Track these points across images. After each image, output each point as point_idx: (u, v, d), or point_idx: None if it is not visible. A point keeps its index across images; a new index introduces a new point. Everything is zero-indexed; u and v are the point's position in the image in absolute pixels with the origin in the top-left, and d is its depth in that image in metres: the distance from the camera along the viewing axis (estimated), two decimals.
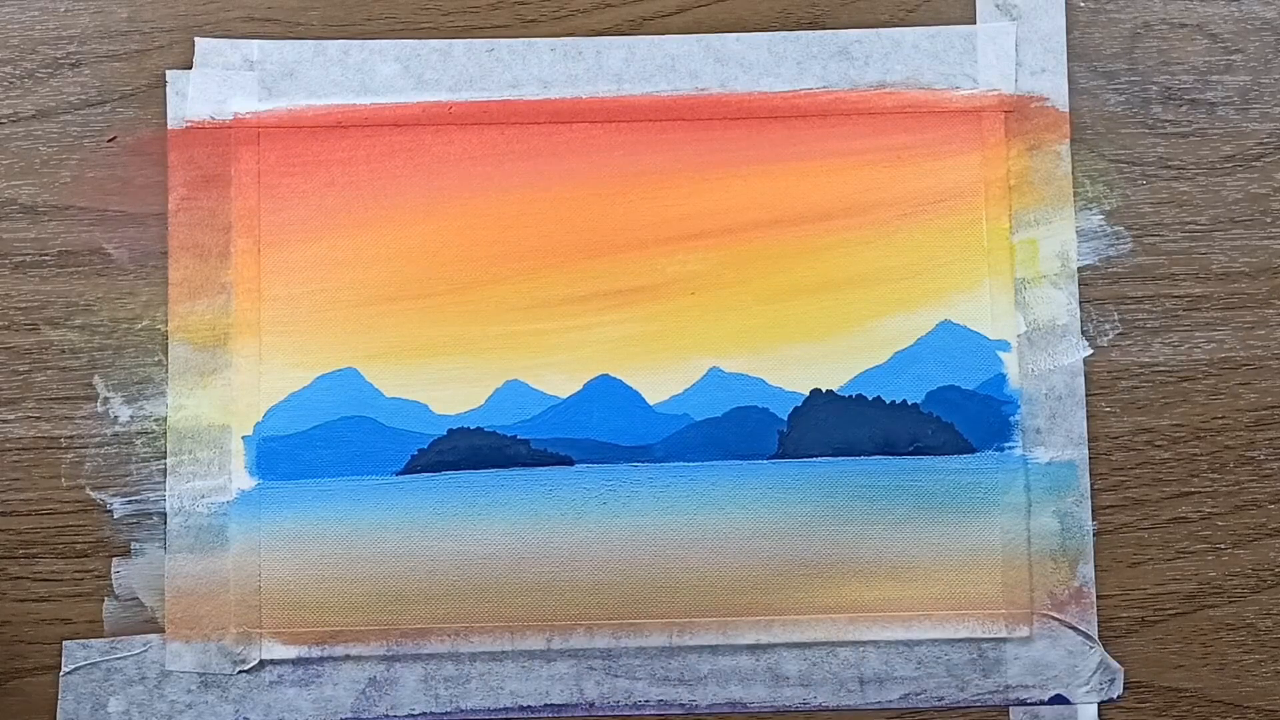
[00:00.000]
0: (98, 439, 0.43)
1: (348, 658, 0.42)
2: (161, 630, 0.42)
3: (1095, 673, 0.43)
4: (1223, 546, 0.44)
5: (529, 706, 0.43)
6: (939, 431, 0.43)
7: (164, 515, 0.43)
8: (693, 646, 0.43)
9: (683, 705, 0.43)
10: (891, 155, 0.44)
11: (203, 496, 0.43)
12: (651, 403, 0.43)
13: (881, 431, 0.43)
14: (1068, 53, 0.45)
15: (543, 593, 0.43)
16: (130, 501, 0.43)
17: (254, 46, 0.44)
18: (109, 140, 0.44)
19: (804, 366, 0.43)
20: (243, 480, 0.43)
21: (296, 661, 0.42)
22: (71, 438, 0.43)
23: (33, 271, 0.44)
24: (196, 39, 0.44)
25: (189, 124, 0.44)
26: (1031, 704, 0.43)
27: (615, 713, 0.43)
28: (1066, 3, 0.45)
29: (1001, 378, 0.43)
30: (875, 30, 0.44)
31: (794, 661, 0.43)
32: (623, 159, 0.44)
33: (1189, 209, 0.44)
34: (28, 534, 0.43)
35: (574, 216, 0.44)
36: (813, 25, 0.45)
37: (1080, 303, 0.44)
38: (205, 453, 0.43)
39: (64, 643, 0.42)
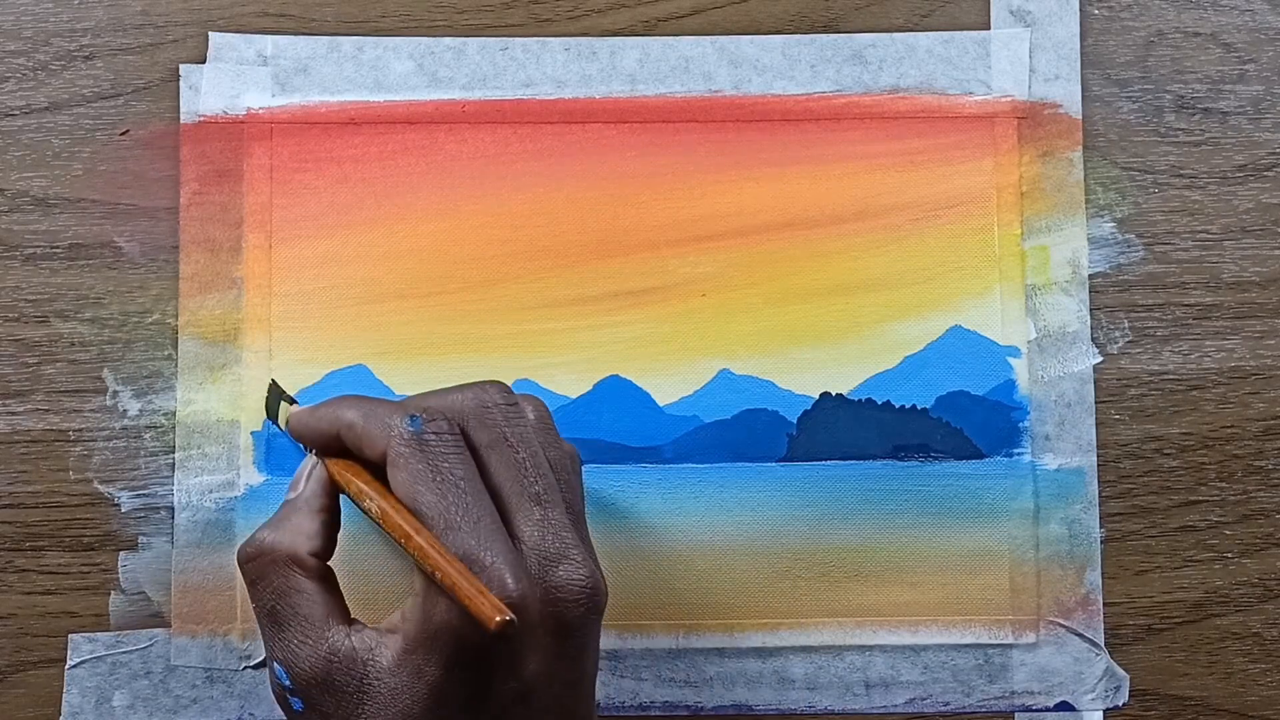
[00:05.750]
0: (106, 432, 0.43)
1: None
2: (167, 625, 0.42)
3: (1101, 680, 0.43)
4: (1230, 555, 0.44)
5: None
6: (948, 436, 0.43)
7: (171, 510, 0.43)
8: (699, 649, 0.43)
9: (688, 707, 0.43)
10: (904, 160, 0.44)
11: (211, 491, 0.43)
12: (661, 404, 0.43)
13: (890, 436, 0.43)
14: (1081, 60, 0.45)
15: None
16: (138, 495, 0.43)
17: (268, 42, 0.44)
18: (121, 133, 0.44)
19: (814, 370, 0.43)
20: (251, 476, 0.43)
21: None
22: (80, 431, 0.43)
23: (43, 264, 0.43)
24: (210, 33, 0.44)
25: (202, 118, 0.44)
26: (1037, 710, 0.43)
27: (620, 713, 0.43)
28: (1081, 10, 0.45)
29: (1011, 384, 0.43)
30: (889, 35, 0.44)
31: (800, 664, 0.43)
32: (636, 160, 0.44)
33: (1200, 218, 0.44)
34: (35, 527, 0.43)
35: (586, 216, 0.44)
36: (827, 29, 0.45)
37: (1091, 310, 0.44)
38: (214, 448, 0.43)
39: (69, 636, 0.42)
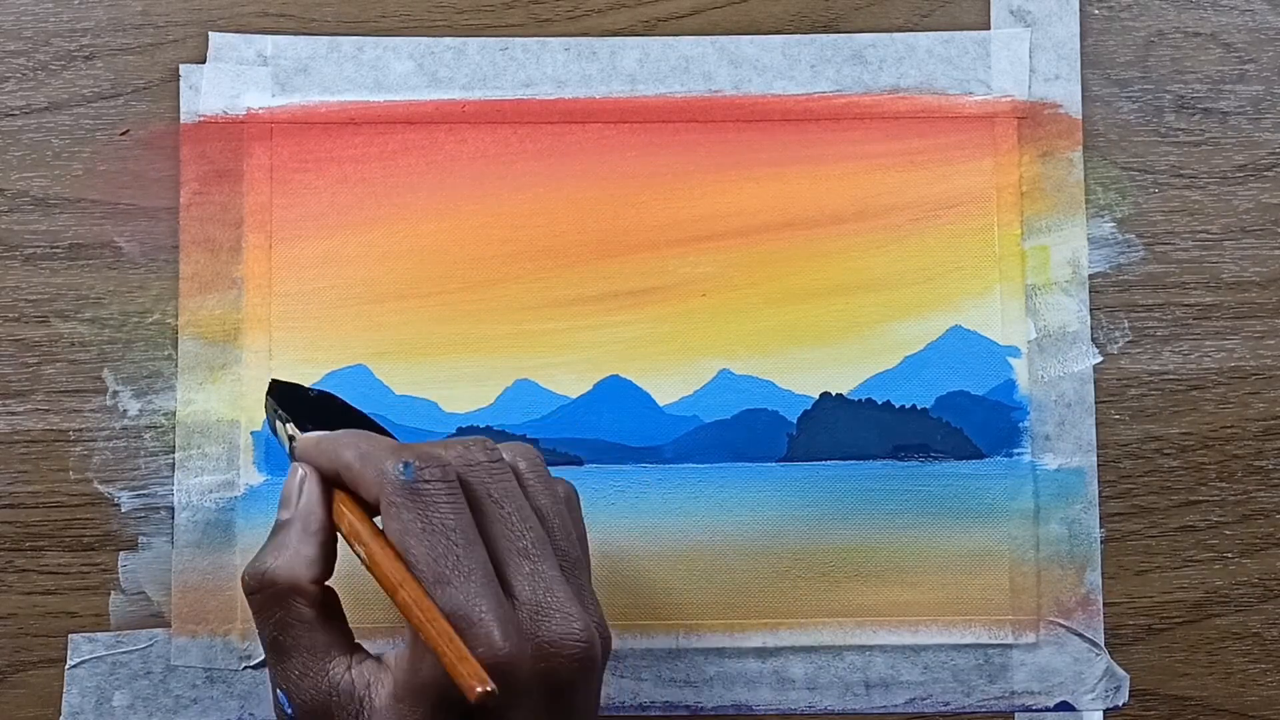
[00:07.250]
0: (106, 432, 0.43)
1: None
2: (167, 625, 0.42)
3: (1101, 680, 0.43)
4: (1230, 555, 0.44)
5: None
6: (948, 436, 0.43)
7: (172, 510, 0.43)
8: (699, 649, 0.43)
9: (688, 707, 0.43)
10: (904, 160, 0.44)
11: (211, 491, 0.43)
12: (661, 404, 0.43)
13: (890, 436, 0.43)
14: (1081, 60, 0.45)
15: None
16: (138, 495, 0.43)
17: (268, 42, 0.44)
18: (121, 133, 0.44)
19: (814, 369, 0.43)
20: (251, 476, 0.43)
21: None
22: (80, 431, 0.43)
23: (43, 264, 0.43)
24: (211, 33, 0.44)
25: (202, 118, 0.44)
26: (1037, 710, 0.43)
27: (620, 713, 0.43)
28: (1081, 10, 0.45)
29: (1011, 384, 0.43)
30: (890, 35, 0.44)
31: (800, 665, 0.43)
32: (636, 160, 0.44)
33: (1200, 218, 0.44)
34: (35, 527, 0.43)
35: (586, 216, 0.44)
36: (827, 29, 0.45)
37: (1091, 310, 0.44)
38: (214, 448, 0.43)
39: (70, 636, 0.42)
